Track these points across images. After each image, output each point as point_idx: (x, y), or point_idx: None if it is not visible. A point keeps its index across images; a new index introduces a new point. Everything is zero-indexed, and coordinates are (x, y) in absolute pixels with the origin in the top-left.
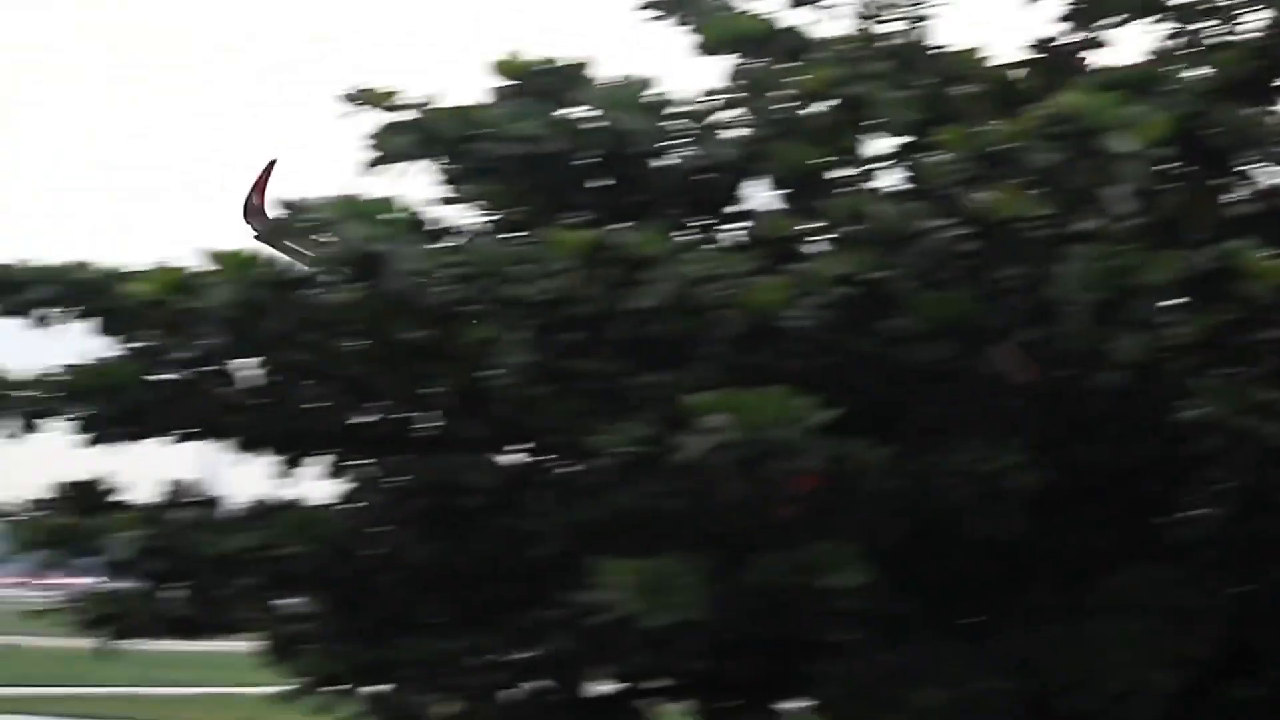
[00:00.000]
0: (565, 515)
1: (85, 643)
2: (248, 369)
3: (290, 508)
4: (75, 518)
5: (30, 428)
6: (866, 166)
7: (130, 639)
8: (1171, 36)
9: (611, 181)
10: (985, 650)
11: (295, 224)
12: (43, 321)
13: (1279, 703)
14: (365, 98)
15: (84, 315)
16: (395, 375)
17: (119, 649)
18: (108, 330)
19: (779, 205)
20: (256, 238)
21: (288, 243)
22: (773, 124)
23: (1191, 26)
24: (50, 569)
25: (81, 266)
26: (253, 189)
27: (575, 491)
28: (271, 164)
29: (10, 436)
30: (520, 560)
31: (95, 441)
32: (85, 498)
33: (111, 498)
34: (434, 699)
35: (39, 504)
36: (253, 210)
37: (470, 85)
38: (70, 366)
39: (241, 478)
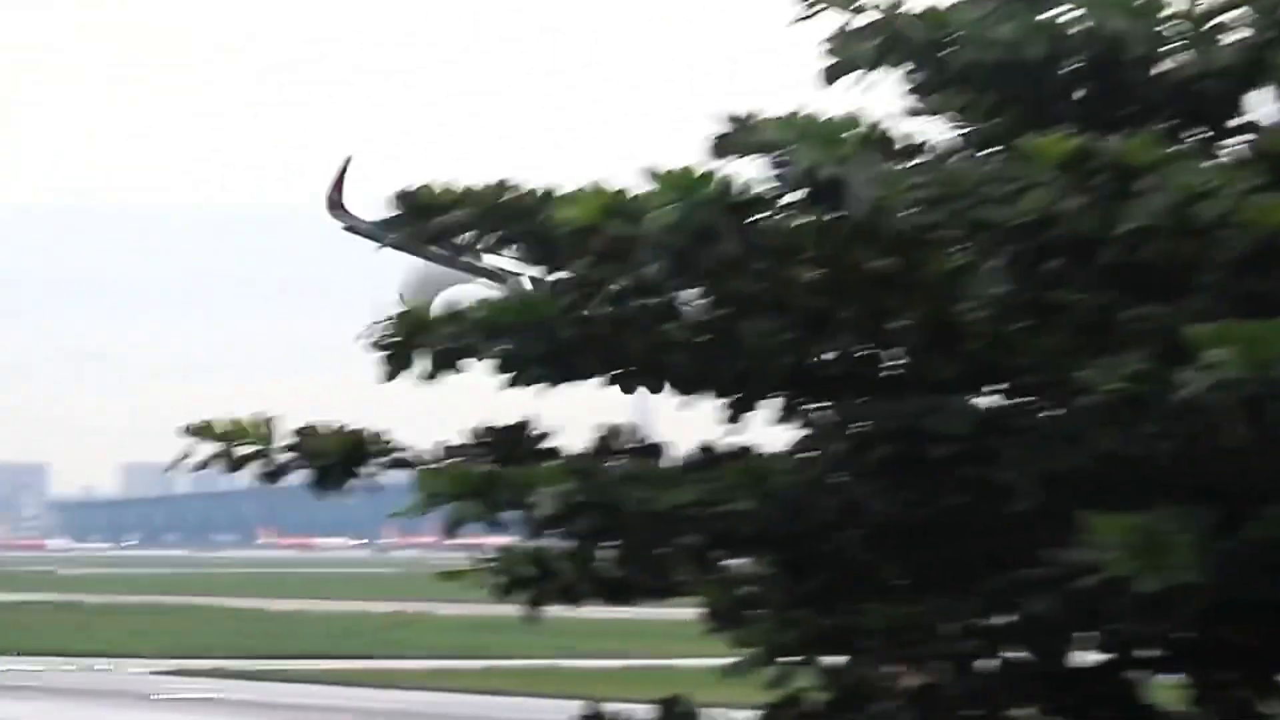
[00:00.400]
0: (1045, 463)
1: (498, 609)
2: (691, 302)
3: (737, 458)
4: (495, 466)
5: (447, 368)
6: None
7: (554, 604)
8: None
9: (1098, 90)
10: None
11: (743, 144)
12: (460, 250)
13: None
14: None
15: (506, 242)
16: (856, 309)
17: (540, 615)
18: (533, 259)
19: None
20: (345, 229)
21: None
22: None
23: None
24: (462, 523)
25: (505, 188)
26: (332, 185)
27: (1057, 437)
28: (348, 161)
29: (426, 378)
30: (994, 515)
31: (517, 382)
32: (506, 445)
33: (536, 445)
34: (898, 670)
35: (454, 451)
36: (334, 204)
37: None
38: (490, 300)
39: (682, 424)
